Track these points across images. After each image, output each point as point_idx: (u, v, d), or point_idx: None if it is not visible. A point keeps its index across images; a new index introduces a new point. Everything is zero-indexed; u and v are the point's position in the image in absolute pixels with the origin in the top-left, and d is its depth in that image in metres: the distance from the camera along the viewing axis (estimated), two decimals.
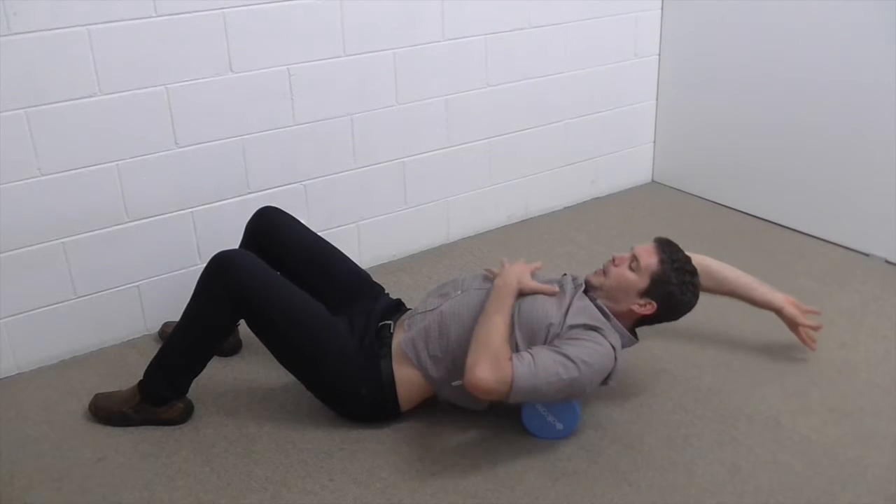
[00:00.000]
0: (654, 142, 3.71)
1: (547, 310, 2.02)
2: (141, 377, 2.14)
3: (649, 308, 2.06)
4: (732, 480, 1.94)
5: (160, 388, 2.12)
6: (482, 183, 3.22)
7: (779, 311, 2.36)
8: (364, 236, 2.97)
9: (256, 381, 2.35)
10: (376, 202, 2.97)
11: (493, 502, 1.89)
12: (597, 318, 2.03)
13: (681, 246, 2.34)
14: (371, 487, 1.94)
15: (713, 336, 2.51)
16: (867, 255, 2.99)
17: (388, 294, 2.35)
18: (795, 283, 2.79)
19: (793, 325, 2.36)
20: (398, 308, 2.29)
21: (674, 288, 2.05)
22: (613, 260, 2.12)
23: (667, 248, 2.09)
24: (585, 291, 2.11)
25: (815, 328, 2.37)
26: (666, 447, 2.05)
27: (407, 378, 2.08)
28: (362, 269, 2.37)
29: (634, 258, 2.08)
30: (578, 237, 3.23)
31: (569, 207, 3.51)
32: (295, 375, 2.12)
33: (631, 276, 2.06)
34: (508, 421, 2.12)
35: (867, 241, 2.99)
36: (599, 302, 2.07)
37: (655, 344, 2.41)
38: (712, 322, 2.57)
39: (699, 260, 2.26)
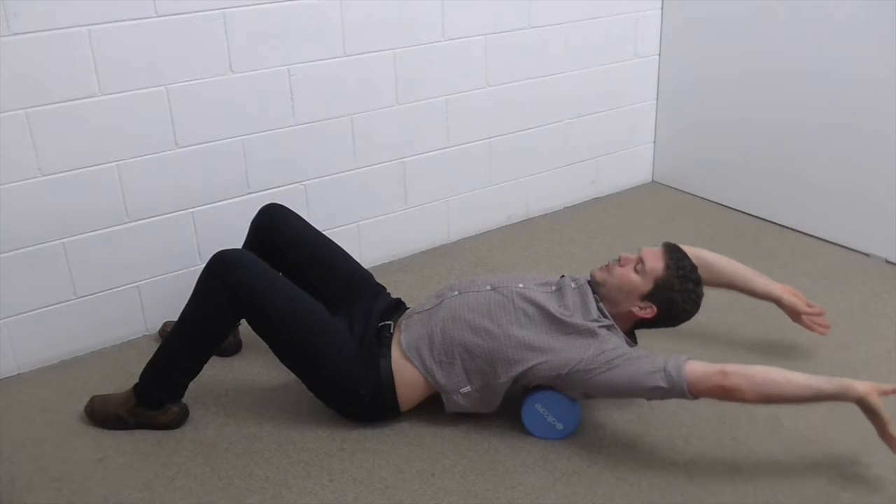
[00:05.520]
0: (655, 142, 3.71)
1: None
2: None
3: (649, 312, 2.06)
4: (733, 480, 1.94)
5: (155, 390, 2.11)
6: (482, 183, 3.22)
7: (778, 301, 2.35)
8: (364, 236, 2.97)
9: (257, 381, 2.35)
10: (376, 202, 2.97)
11: (493, 502, 1.89)
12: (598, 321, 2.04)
13: (680, 244, 2.35)
14: (371, 487, 1.94)
15: (713, 336, 2.51)
16: (867, 255, 2.99)
17: (388, 293, 2.35)
18: (796, 282, 2.77)
19: (794, 314, 2.36)
20: (398, 308, 2.29)
21: (676, 295, 2.05)
22: (619, 259, 2.12)
23: (674, 255, 2.08)
24: (590, 285, 2.11)
25: (818, 314, 2.35)
26: (666, 447, 2.05)
27: (407, 379, 2.08)
28: (364, 268, 2.37)
29: (640, 261, 2.07)
30: (579, 237, 3.23)
31: (569, 207, 3.52)
32: (296, 374, 2.12)
33: (635, 278, 2.06)
34: (508, 421, 2.12)
35: (867, 241, 2.99)
36: (602, 305, 2.07)
37: (656, 344, 2.41)
38: (712, 322, 2.57)
39: (696, 253, 2.26)
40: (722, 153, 3.45)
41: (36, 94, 2.21)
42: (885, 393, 1.88)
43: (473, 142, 3.13)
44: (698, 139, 3.54)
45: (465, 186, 3.18)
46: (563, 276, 2.20)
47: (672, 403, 2.18)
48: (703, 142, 3.52)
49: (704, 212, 3.44)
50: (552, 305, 2.04)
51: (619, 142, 3.59)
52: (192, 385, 2.15)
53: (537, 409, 2.07)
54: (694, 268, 2.09)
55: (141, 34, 2.31)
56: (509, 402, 2.10)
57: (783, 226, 3.25)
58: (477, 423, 2.14)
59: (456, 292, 2.14)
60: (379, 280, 2.38)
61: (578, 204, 3.55)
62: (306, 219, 2.38)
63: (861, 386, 1.86)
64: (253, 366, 2.41)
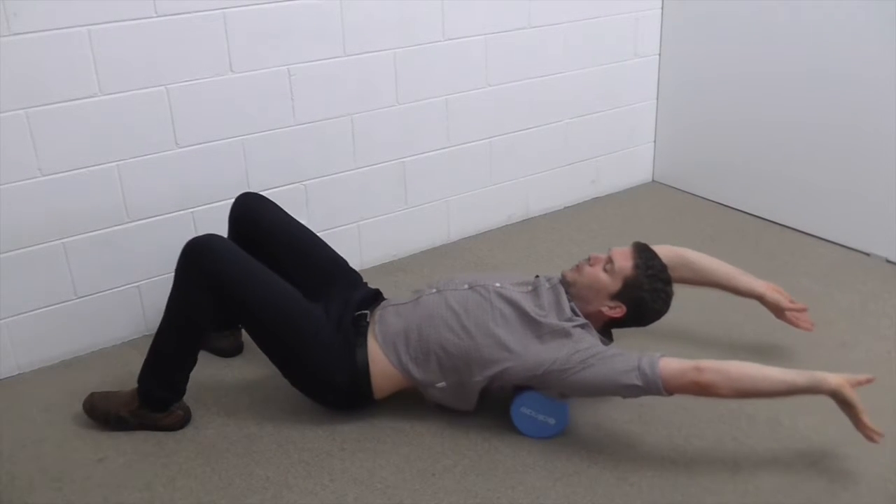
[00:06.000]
0: (655, 141, 3.71)
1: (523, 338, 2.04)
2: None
3: (618, 311, 2.07)
4: (733, 480, 1.94)
5: (154, 389, 2.11)
6: (482, 183, 3.22)
7: (761, 298, 2.36)
8: (364, 236, 2.97)
9: (257, 381, 2.35)
10: (376, 202, 2.97)
11: (493, 502, 1.89)
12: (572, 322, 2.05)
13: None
14: (372, 487, 1.94)
15: (713, 336, 2.52)
16: (868, 254, 2.99)
17: (366, 283, 2.35)
18: (796, 282, 2.79)
19: (777, 310, 2.36)
20: (376, 298, 2.29)
21: (645, 294, 2.06)
22: (589, 259, 2.13)
23: (643, 254, 2.09)
24: (562, 285, 2.12)
25: (801, 310, 2.35)
26: (667, 447, 2.06)
27: (383, 370, 2.09)
28: (341, 257, 2.36)
29: (610, 260, 2.09)
30: (579, 237, 3.23)
31: (569, 207, 3.52)
32: (271, 360, 2.12)
33: (604, 277, 2.07)
34: (509, 421, 2.12)
35: (868, 240, 2.99)
36: (574, 304, 2.08)
37: (655, 344, 2.40)
38: (712, 322, 2.57)
39: (678, 252, 2.28)
40: (722, 153, 3.45)
41: (36, 94, 2.21)
42: (858, 383, 1.89)
43: (473, 142, 3.13)
44: (698, 139, 3.54)
45: (466, 186, 3.18)
46: (537, 276, 2.21)
47: (672, 403, 2.18)
48: (703, 141, 3.52)
49: (705, 211, 3.44)
50: (528, 305, 2.05)
51: (620, 141, 3.59)
52: (192, 385, 2.15)
53: (524, 412, 2.08)
54: (663, 267, 2.10)
55: (141, 34, 2.31)
56: (508, 402, 2.10)
57: (783, 225, 3.25)
58: (477, 423, 2.14)
59: (434, 290, 2.15)
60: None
61: (578, 204, 3.55)
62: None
63: (834, 379, 1.88)
64: (253, 366, 2.41)
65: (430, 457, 2.04)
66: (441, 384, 2.07)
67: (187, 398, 2.17)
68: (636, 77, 3.52)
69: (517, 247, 3.17)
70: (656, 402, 2.18)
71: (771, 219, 3.30)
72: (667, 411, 2.17)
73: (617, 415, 2.17)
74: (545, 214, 3.45)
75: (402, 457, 2.04)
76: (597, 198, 3.60)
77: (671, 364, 1.91)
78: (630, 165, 3.68)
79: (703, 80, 3.43)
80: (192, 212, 2.56)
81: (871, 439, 1.88)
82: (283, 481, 1.96)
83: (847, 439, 2.03)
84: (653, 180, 3.77)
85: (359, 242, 2.96)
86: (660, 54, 3.55)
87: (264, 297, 2.05)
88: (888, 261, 2.93)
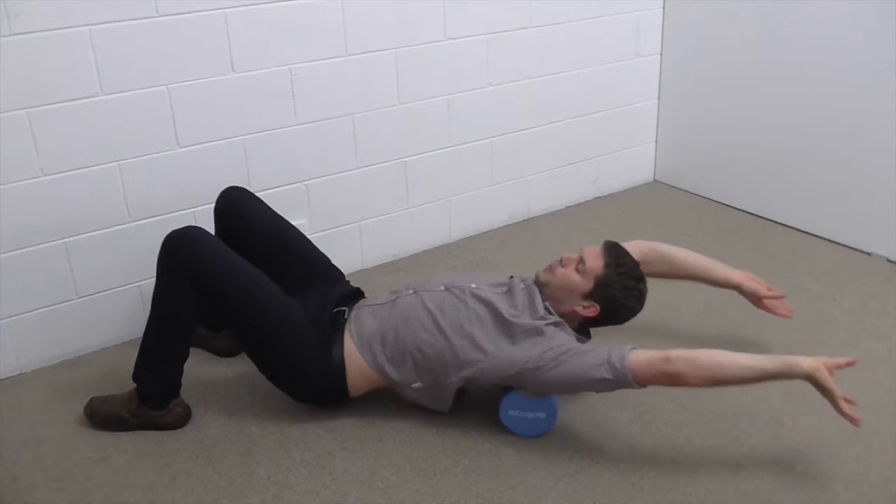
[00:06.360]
0: (656, 141, 3.71)
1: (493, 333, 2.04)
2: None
3: (592, 311, 2.08)
4: (734, 480, 1.94)
5: (151, 385, 2.11)
6: (484, 182, 3.22)
7: (738, 288, 2.36)
8: (366, 236, 2.97)
9: (258, 381, 2.34)
10: (378, 202, 2.97)
11: (495, 502, 1.89)
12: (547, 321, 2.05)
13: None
14: (373, 487, 1.94)
15: (714, 336, 2.51)
16: (869, 254, 2.99)
17: (347, 281, 2.35)
18: (797, 282, 2.79)
19: (755, 299, 2.36)
20: (356, 296, 2.29)
21: (616, 292, 2.06)
22: (561, 260, 2.13)
23: (613, 253, 2.10)
24: (536, 285, 2.12)
25: (779, 297, 2.35)
26: (668, 447, 2.06)
27: (358, 369, 2.09)
28: (323, 254, 2.36)
29: (581, 260, 2.09)
30: (580, 237, 3.22)
31: (570, 207, 3.51)
32: (247, 353, 2.13)
33: (576, 277, 2.07)
34: None
35: (869, 240, 2.99)
36: (548, 304, 2.09)
37: (655, 344, 2.39)
38: (713, 322, 2.57)
39: (653, 246, 2.29)
40: (723, 152, 3.44)
41: (37, 93, 2.21)
42: (837, 367, 1.88)
43: (475, 141, 3.13)
44: (700, 138, 3.54)
45: (467, 186, 3.18)
46: (511, 276, 2.21)
47: (673, 403, 2.19)
48: (704, 141, 3.52)
49: (706, 211, 3.44)
50: (502, 306, 2.06)
51: (621, 141, 3.59)
52: (193, 385, 2.15)
53: (513, 414, 2.08)
54: (635, 265, 2.10)
55: (142, 34, 2.31)
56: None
57: (785, 225, 3.25)
58: (478, 423, 2.14)
59: (411, 291, 2.16)
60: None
61: (580, 203, 3.55)
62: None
63: (807, 362, 1.86)
64: (254, 366, 2.40)
65: (432, 456, 2.04)
66: (417, 385, 2.08)
67: (188, 398, 2.18)
68: (637, 77, 3.52)
69: (518, 246, 3.17)
70: (657, 402, 2.19)
71: (772, 218, 3.30)
72: (668, 411, 2.17)
73: (618, 414, 2.17)
74: (546, 214, 3.45)
75: (404, 456, 2.04)
76: (598, 197, 3.60)
77: (640, 356, 1.91)
78: (631, 165, 3.68)
79: (705, 80, 3.43)
80: (193, 211, 2.56)
81: (853, 423, 1.86)
82: (284, 481, 1.97)
83: (847, 439, 2.03)
84: (654, 180, 3.77)
85: (360, 242, 2.96)
86: (661, 54, 3.55)
87: (242, 288, 2.05)
88: (889, 260, 2.93)
